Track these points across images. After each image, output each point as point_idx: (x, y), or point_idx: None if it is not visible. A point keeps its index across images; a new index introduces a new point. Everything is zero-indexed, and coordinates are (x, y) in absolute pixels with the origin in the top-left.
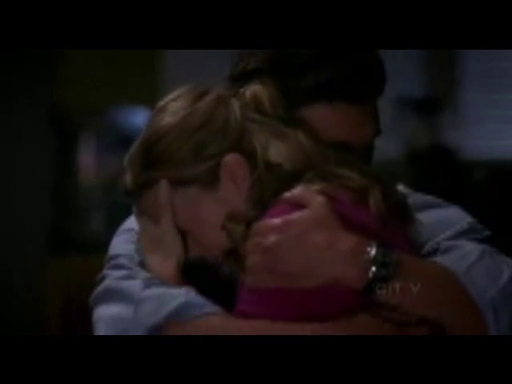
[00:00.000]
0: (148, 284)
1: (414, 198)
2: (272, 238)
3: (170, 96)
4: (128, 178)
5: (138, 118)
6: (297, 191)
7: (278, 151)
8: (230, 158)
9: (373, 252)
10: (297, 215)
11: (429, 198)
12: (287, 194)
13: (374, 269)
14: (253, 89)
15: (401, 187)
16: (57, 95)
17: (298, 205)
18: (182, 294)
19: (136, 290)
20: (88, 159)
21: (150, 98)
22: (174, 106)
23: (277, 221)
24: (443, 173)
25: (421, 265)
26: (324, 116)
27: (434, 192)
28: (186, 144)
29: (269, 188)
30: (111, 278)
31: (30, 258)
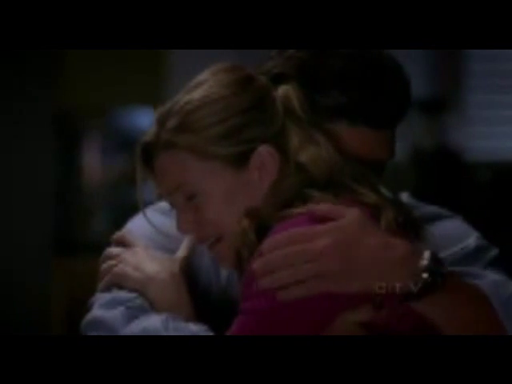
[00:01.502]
0: (130, 315)
1: (420, 209)
2: (321, 243)
3: (209, 70)
4: (153, 130)
5: (142, 119)
6: (325, 205)
7: (309, 154)
8: (265, 149)
9: (425, 261)
10: (343, 221)
11: (433, 209)
12: (314, 207)
13: (425, 276)
14: (285, 88)
15: (405, 196)
16: (59, 96)
17: (322, 218)
18: (161, 329)
19: (118, 322)
20: (91, 160)
21: (153, 99)
22: (219, 81)
23: (324, 226)
24: (447, 174)
25: (463, 282)
26: (344, 135)
27: (438, 193)
28: (227, 122)
29: (290, 189)
30: (97, 305)
31: (33, 260)
